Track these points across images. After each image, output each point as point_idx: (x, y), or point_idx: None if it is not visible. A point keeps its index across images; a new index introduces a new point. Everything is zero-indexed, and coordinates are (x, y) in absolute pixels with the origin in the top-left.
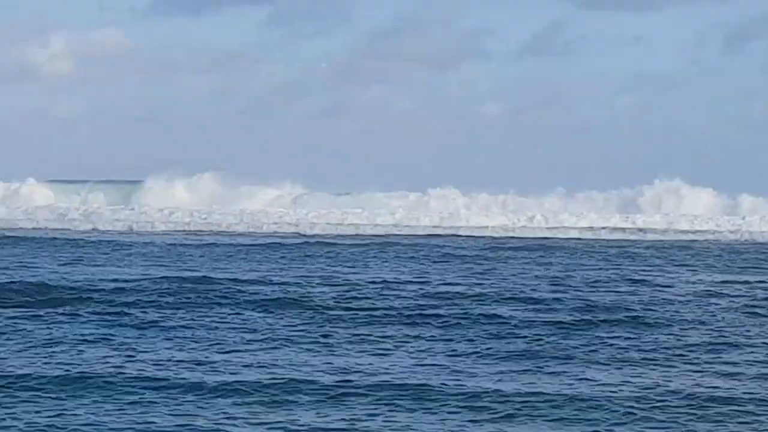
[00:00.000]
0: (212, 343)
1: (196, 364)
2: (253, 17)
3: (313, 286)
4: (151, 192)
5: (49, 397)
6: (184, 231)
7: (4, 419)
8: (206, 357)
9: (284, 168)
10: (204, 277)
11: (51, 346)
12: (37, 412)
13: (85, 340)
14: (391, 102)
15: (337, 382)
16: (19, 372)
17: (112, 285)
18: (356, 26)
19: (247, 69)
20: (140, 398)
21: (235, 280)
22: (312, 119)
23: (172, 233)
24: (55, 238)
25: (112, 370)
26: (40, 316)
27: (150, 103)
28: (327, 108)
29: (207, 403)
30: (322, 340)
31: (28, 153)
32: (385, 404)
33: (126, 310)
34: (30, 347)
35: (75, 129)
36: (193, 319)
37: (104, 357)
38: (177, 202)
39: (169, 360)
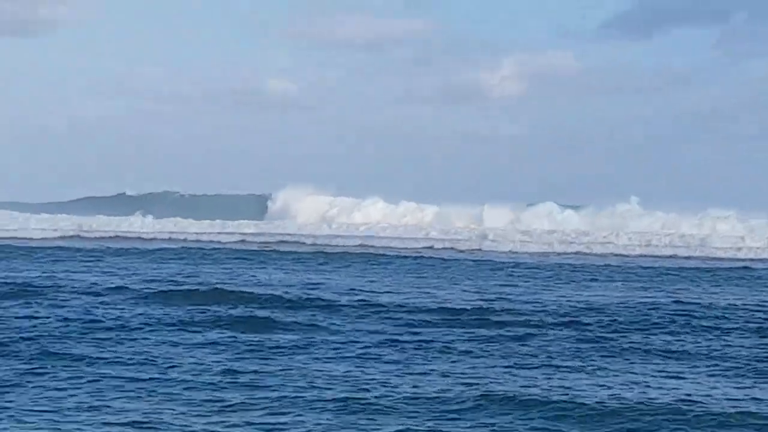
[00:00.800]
0: None
1: None
2: (704, 39)
3: None
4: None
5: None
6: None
7: None
8: None
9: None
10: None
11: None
12: None
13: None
14: None
15: None
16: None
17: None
18: None
19: (691, 90)
20: None
21: None
22: (749, 142)
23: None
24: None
25: None
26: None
27: (597, 125)
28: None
29: None
30: None
31: (475, 174)
32: None
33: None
34: None
35: (520, 149)
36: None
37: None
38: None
39: None
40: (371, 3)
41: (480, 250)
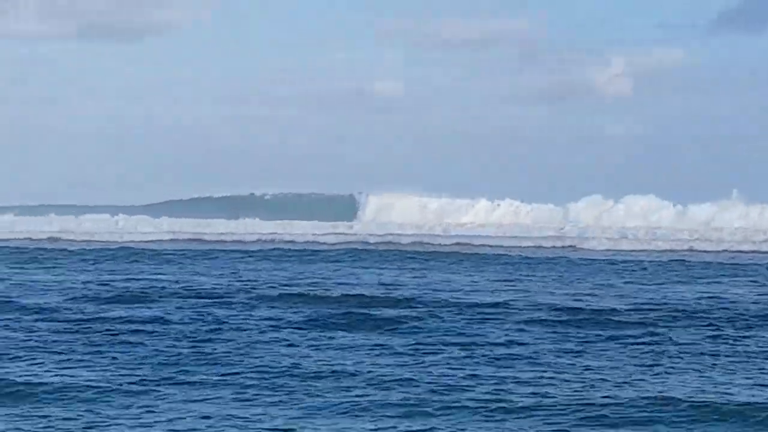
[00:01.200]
0: None
1: None
2: None
3: None
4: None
5: None
6: None
7: None
8: None
9: None
10: None
11: None
12: None
13: None
14: None
15: None
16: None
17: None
18: None
19: None
20: None
21: None
22: None
23: None
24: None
25: None
26: None
27: (708, 122)
28: None
29: None
30: None
31: (580, 172)
32: None
33: None
34: None
35: (628, 147)
36: None
37: None
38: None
39: None
40: (476, 2)
41: (584, 248)
